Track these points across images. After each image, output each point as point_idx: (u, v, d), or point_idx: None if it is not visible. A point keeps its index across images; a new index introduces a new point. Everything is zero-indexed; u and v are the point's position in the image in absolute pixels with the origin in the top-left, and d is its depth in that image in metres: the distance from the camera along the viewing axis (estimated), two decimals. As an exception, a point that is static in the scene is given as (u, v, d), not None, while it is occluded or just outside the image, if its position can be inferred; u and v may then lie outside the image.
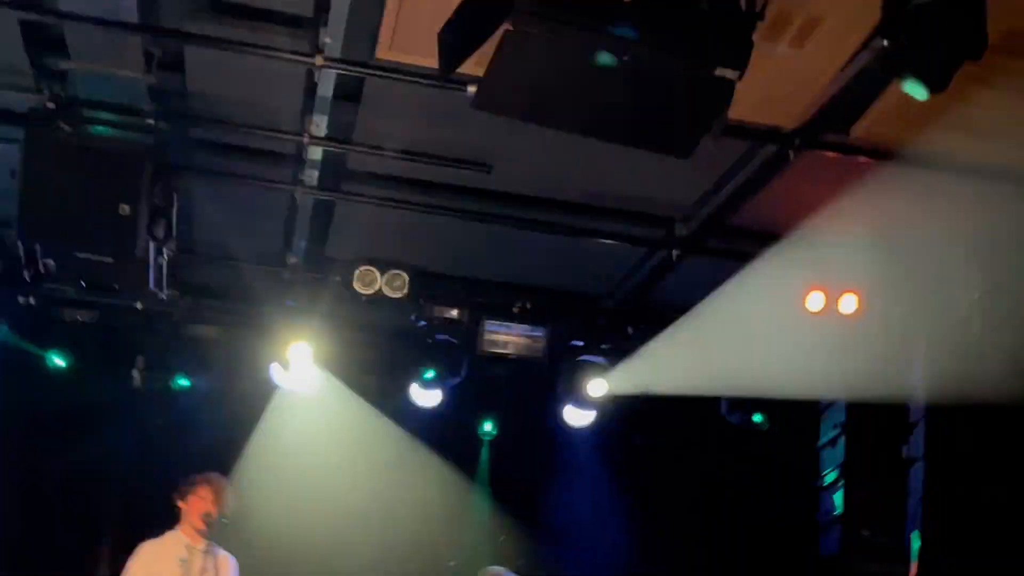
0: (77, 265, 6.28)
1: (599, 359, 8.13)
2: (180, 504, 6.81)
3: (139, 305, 7.64)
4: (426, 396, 8.54)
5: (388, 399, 8.83)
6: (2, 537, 8.33)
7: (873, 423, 7.38)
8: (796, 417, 8.58)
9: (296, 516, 8.71)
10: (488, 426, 9.27)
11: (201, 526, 6.70)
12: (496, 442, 9.27)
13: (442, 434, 9.13)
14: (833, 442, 7.59)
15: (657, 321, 7.95)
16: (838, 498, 7.35)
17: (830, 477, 7.56)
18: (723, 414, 8.41)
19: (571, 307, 7.98)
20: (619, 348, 8.11)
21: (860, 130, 5.20)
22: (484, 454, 9.35)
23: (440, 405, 8.59)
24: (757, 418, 8.25)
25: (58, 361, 8.26)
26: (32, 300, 7.83)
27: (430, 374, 8.18)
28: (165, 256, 6.30)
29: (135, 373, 8.31)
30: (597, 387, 8.26)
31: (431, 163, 6.02)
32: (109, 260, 5.97)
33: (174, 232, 6.21)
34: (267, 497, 8.61)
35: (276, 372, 8.08)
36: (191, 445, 8.28)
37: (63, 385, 8.23)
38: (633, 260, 7.27)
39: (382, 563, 9.02)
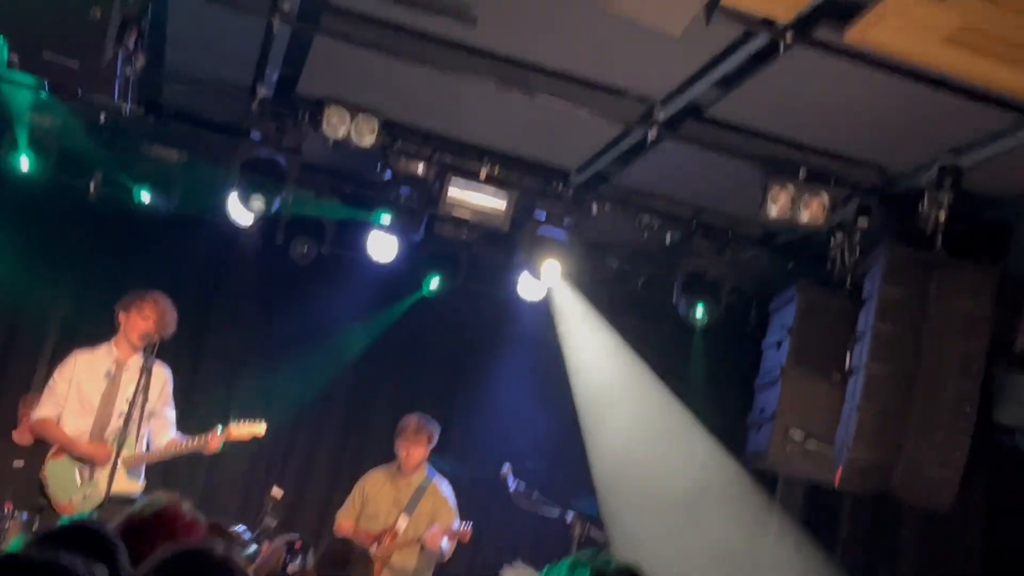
0: (42, 66, 6.10)
1: (560, 234, 8.09)
2: (121, 316, 6.84)
3: (102, 117, 7.46)
4: (382, 250, 8.48)
5: (346, 249, 8.78)
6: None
7: (821, 330, 7.44)
8: (744, 315, 8.66)
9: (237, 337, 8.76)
10: (433, 283, 9.22)
11: (137, 343, 6.75)
12: (442, 302, 9.24)
13: (391, 290, 9.14)
14: (778, 344, 7.64)
15: (623, 202, 7.94)
16: (773, 398, 7.42)
17: (769, 377, 7.63)
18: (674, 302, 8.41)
19: (538, 178, 7.89)
20: (581, 225, 8.07)
21: (856, 33, 5.10)
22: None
23: (394, 261, 8.56)
24: (700, 311, 8.24)
25: (18, 165, 8.01)
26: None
27: (387, 218, 8.06)
28: (133, 68, 6.12)
29: (92, 186, 8.17)
30: (550, 269, 8.23)
31: (415, 8, 5.86)
32: (75, 64, 5.80)
33: (144, 45, 6.04)
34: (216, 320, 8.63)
35: (233, 207, 7.98)
36: (142, 264, 8.22)
37: (20, 190, 8.08)
38: (608, 137, 7.18)
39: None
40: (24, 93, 7.32)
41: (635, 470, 8.38)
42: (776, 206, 6.87)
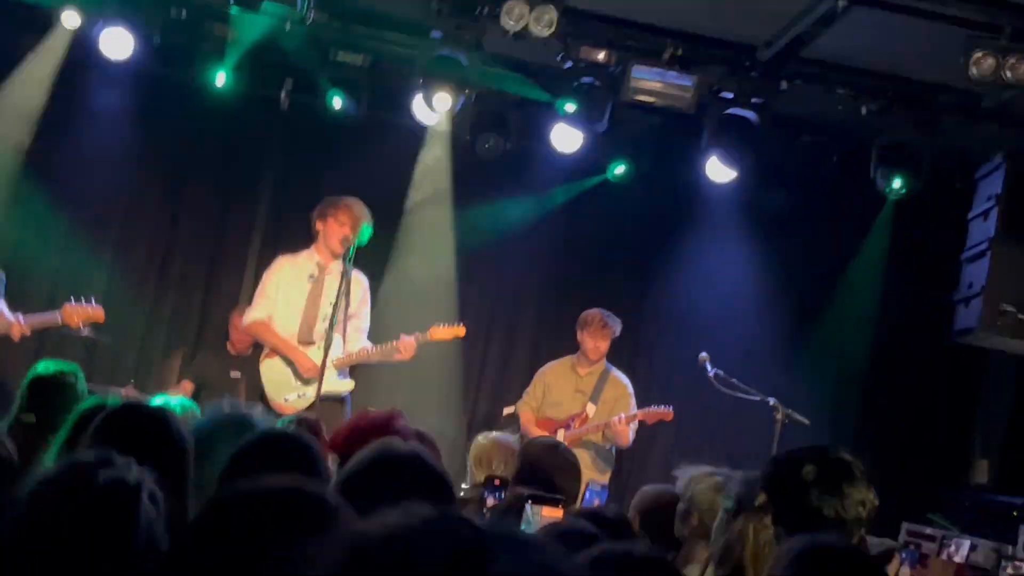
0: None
1: (749, 113, 7.87)
2: (319, 225, 7.03)
3: (287, 26, 7.60)
4: (566, 140, 8.47)
5: (527, 140, 8.77)
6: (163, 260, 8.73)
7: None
8: (947, 186, 8.32)
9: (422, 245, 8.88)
10: (618, 170, 9.11)
11: (337, 249, 6.92)
12: (628, 190, 9.14)
13: (577, 180, 9.10)
14: (985, 214, 7.32)
15: (815, 76, 7.66)
16: (981, 271, 7.14)
17: (976, 250, 7.33)
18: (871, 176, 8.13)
19: (724, 56, 7.67)
20: (771, 102, 7.84)
21: None
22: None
23: (579, 151, 8.54)
24: (898, 184, 7.92)
25: (210, 79, 8.23)
26: (184, 13, 7.86)
27: (571, 107, 7.97)
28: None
29: (283, 95, 8.35)
30: (736, 153, 8.05)
31: None
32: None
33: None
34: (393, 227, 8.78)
35: (419, 108, 8.08)
36: (335, 170, 8.40)
37: (211, 105, 8.33)
38: (795, 8, 6.91)
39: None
40: (225, 8, 7.53)
41: None
42: (979, 69, 6.51)
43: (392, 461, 2.57)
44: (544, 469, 4.65)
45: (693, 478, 4.03)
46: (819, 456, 3.13)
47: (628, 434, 7.57)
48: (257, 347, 7.57)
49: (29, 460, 4.15)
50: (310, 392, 6.76)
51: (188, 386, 8.14)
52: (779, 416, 7.11)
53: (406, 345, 6.96)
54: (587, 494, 4.34)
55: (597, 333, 7.75)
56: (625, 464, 8.50)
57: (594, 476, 7.30)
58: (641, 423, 7.71)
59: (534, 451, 4.91)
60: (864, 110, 7.80)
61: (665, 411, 7.61)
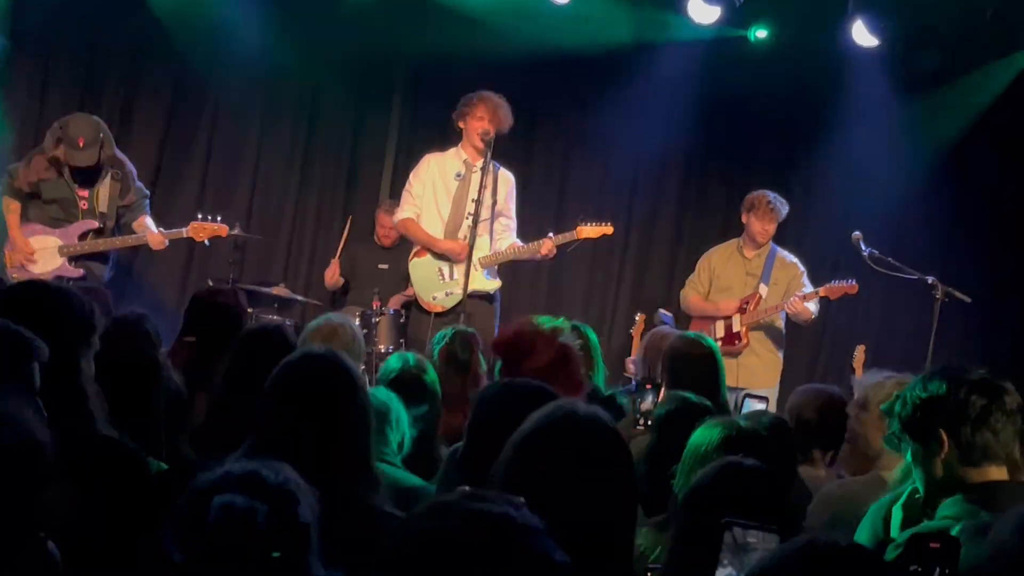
0: None
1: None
2: (460, 123, 6.98)
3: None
4: (703, 11, 8.22)
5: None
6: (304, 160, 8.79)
7: None
8: None
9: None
10: (760, 32, 8.73)
11: (479, 144, 6.88)
12: (770, 57, 8.74)
13: (716, 51, 8.79)
14: None
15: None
16: None
17: None
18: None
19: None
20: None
21: None
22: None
23: (717, 20, 8.27)
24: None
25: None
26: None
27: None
28: None
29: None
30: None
31: None
32: None
33: None
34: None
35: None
36: (465, 60, 8.26)
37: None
38: None
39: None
40: None
41: None
42: None
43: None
44: (686, 361, 4.66)
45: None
46: (979, 384, 2.90)
47: (811, 311, 7.29)
48: (404, 240, 7.61)
49: (193, 378, 4.32)
50: (457, 291, 6.78)
51: (339, 279, 8.31)
52: (939, 295, 6.87)
53: (546, 245, 6.94)
54: (744, 404, 4.25)
55: (765, 216, 7.39)
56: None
57: (768, 354, 7.38)
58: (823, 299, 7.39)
59: (678, 345, 4.90)
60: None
61: (849, 285, 7.22)
